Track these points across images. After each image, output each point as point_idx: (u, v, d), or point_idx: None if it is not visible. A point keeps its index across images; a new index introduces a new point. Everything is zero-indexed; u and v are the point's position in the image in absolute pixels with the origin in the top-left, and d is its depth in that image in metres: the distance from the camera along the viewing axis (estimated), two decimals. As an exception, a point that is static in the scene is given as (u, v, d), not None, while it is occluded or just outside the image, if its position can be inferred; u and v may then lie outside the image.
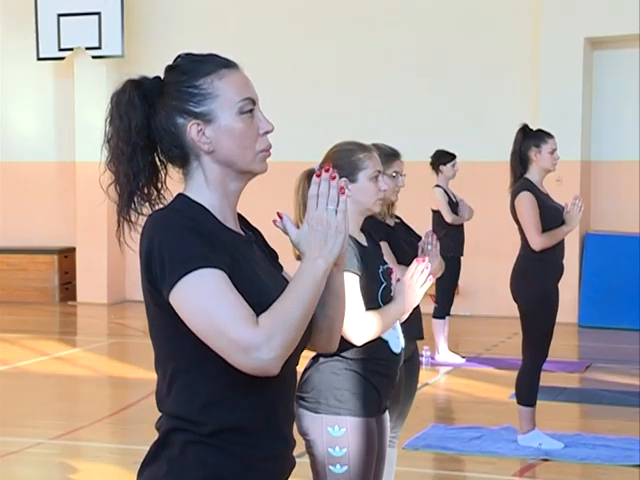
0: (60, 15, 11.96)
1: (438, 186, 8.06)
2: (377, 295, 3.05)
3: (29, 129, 12.84)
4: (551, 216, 5.48)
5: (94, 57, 11.91)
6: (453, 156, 8.11)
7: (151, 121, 1.89)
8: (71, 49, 12.03)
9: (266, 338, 1.72)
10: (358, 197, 3.09)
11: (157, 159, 1.93)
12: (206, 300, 1.74)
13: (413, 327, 3.85)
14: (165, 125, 1.88)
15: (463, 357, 8.34)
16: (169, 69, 1.93)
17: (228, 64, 1.90)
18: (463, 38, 11.09)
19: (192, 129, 1.87)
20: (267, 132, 1.91)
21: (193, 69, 1.89)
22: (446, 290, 8.29)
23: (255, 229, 2.04)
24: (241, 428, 1.84)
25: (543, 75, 10.61)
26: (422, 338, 4.09)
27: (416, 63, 11.18)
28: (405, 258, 3.57)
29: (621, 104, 10.87)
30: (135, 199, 1.90)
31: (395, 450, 4.01)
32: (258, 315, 1.77)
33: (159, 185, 1.94)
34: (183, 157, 1.90)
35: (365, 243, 3.15)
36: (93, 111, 12.05)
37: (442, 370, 8.03)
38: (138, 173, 1.89)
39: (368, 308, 3.00)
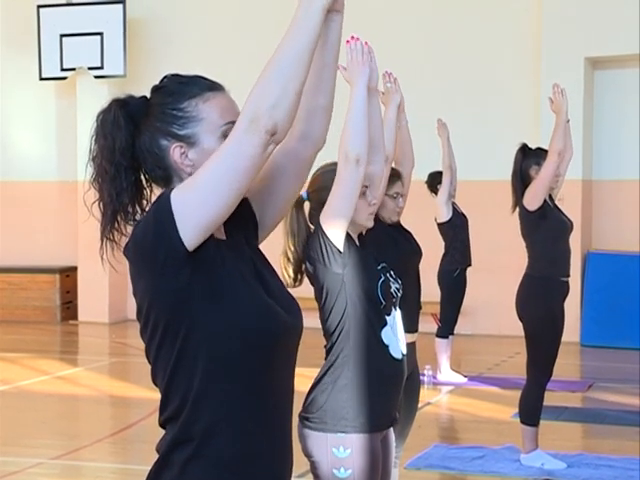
0: (62, 35, 12.02)
1: None
2: (376, 288, 3.05)
3: (31, 148, 12.88)
4: (556, 225, 5.48)
5: (96, 77, 11.95)
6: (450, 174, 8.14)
7: (135, 141, 1.90)
8: (73, 69, 12.08)
9: (254, 109, 1.70)
10: None
11: (143, 178, 1.94)
12: (199, 181, 1.74)
13: (410, 320, 3.86)
14: (149, 146, 1.89)
15: (465, 376, 8.32)
16: (155, 90, 1.93)
17: (213, 87, 1.91)
18: (463, 58, 11.13)
19: (175, 151, 1.87)
20: None
21: (178, 91, 1.89)
22: (451, 309, 8.29)
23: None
24: (235, 424, 1.81)
25: (544, 95, 10.59)
26: (417, 330, 4.06)
27: (415, 83, 11.21)
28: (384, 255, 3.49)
29: (622, 123, 10.90)
30: (118, 218, 1.91)
31: (397, 470, 3.99)
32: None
33: (144, 203, 1.94)
34: (166, 178, 1.90)
35: (358, 244, 3.17)
36: (95, 131, 12.09)
37: (444, 389, 8.01)
38: (121, 192, 1.90)
39: (368, 303, 3.00)
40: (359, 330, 3.00)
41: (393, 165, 4.03)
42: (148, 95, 1.95)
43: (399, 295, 3.15)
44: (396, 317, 3.12)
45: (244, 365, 1.82)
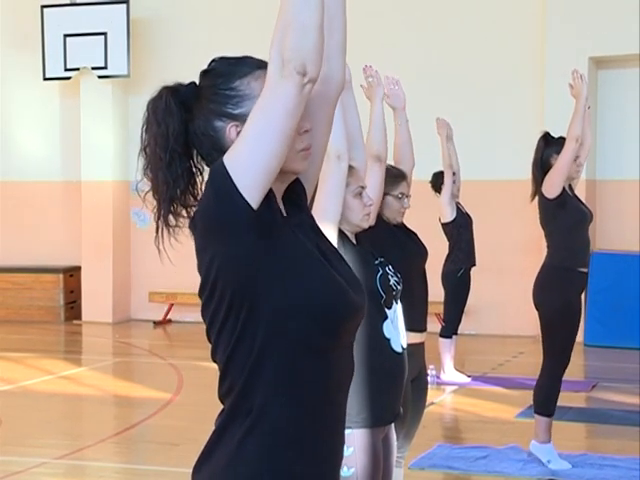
0: (66, 35, 12.04)
1: None
2: (375, 282, 3.06)
3: (35, 148, 12.90)
4: (576, 214, 5.47)
5: (100, 77, 11.97)
6: (452, 174, 8.15)
7: (189, 126, 1.89)
8: (77, 69, 12.09)
9: (280, 55, 1.71)
10: (345, 214, 3.12)
11: (193, 166, 1.92)
12: (246, 133, 1.75)
13: (417, 319, 3.86)
14: (204, 129, 1.87)
15: (469, 376, 8.31)
16: (204, 73, 1.93)
17: (262, 65, 1.90)
18: (466, 58, 11.13)
19: (232, 131, 1.85)
20: (307, 131, 1.88)
21: (229, 72, 1.89)
22: (455, 308, 8.28)
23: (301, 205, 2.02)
24: (292, 401, 1.80)
25: (548, 95, 10.63)
26: (425, 330, 4.05)
27: (418, 83, 11.21)
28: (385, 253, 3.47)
29: (625, 123, 10.90)
30: (175, 205, 1.89)
31: (402, 470, 3.99)
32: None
33: (196, 192, 1.93)
34: None
35: (355, 242, 3.18)
36: (99, 131, 12.12)
37: (448, 389, 8.01)
38: (177, 179, 1.88)
39: (368, 297, 3.00)
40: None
41: (394, 164, 4.02)
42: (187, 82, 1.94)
43: (399, 288, 3.15)
44: (397, 310, 3.12)
45: (308, 341, 1.80)
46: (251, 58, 1.93)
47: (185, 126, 1.88)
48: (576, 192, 5.74)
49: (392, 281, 3.12)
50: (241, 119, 1.84)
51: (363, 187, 3.20)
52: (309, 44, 1.71)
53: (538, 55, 10.82)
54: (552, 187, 5.37)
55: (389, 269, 3.15)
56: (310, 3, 1.72)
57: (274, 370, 1.79)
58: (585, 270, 5.52)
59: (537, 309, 5.53)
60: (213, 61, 1.94)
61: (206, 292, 1.83)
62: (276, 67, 1.72)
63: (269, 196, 1.80)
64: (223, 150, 1.84)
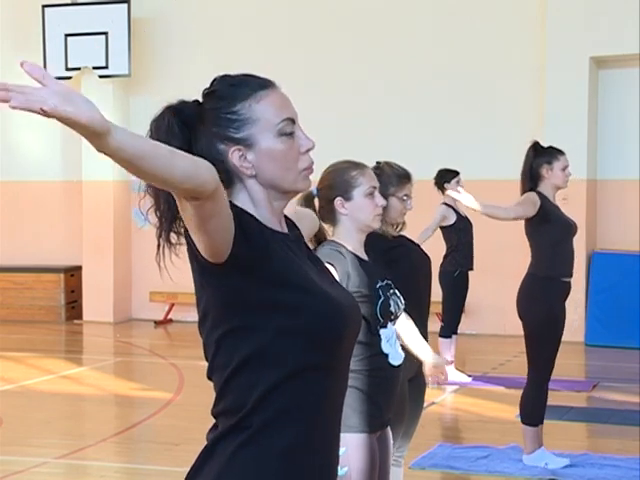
0: (67, 35, 12.04)
1: (444, 204, 8.11)
2: (375, 309, 3.04)
3: (36, 148, 12.90)
4: (561, 227, 5.46)
5: (101, 77, 11.97)
6: (456, 173, 8.15)
7: (192, 147, 1.89)
8: (78, 69, 12.09)
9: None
10: (356, 214, 3.11)
11: None
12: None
13: (423, 329, 3.85)
14: (207, 151, 1.88)
15: (469, 376, 8.32)
16: (207, 94, 1.93)
17: (265, 85, 1.91)
18: (468, 58, 11.12)
19: (234, 155, 1.88)
20: (308, 150, 1.91)
21: (230, 95, 1.89)
22: (453, 308, 8.28)
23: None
24: (294, 416, 1.82)
25: (549, 94, 10.63)
26: (426, 339, 4.05)
27: (419, 83, 11.21)
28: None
29: (626, 123, 10.89)
30: (176, 224, 1.90)
31: (401, 469, 3.99)
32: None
33: None
34: (227, 180, 1.89)
35: (365, 258, 3.16)
36: (100, 130, 12.10)
37: (448, 389, 8.01)
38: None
39: (367, 322, 3.00)
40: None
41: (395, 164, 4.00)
42: (191, 100, 1.95)
43: (398, 313, 3.13)
44: (393, 329, 3.11)
45: (307, 361, 1.82)
46: (253, 77, 1.92)
47: (189, 145, 1.88)
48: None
49: (393, 306, 3.08)
50: (243, 143, 1.87)
51: (375, 187, 3.18)
52: (188, 191, 1.66)
53: (538, 55, 10.81)
54: (524, 214, 5.40)
55: (391, 293, 3.11)
56: (171, 174, 1.64)
57: (274, 391, 1.81)
58: (569, 280, 5.52)
59: (521, 319, 5.52)
60: (215, 80, 1.94)
61: (200, 314, 1.88)
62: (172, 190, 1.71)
63: (248, 229, 1.82)
64: (227, 172, 1.87)
